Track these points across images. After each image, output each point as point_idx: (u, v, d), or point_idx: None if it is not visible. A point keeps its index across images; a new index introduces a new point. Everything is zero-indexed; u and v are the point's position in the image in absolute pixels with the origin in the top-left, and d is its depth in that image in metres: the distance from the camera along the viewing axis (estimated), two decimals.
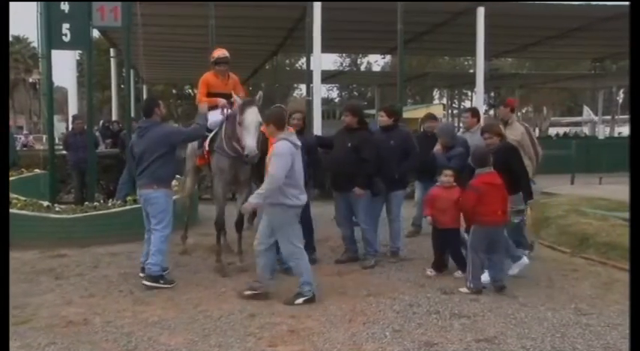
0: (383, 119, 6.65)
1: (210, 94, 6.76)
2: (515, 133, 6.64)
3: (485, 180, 5.46)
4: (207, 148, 6.39)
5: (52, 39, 8.49)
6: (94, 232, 7.58)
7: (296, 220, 5.26)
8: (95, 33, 18.63)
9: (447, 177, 5.85)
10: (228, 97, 6.42)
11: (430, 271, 6.01)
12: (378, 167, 6.31)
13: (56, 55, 8.88)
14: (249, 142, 5.62)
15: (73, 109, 13.90)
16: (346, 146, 6.34)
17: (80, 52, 14.84)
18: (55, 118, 11.63)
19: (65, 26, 8.42)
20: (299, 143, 5.26)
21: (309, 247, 6.55)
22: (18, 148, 16.13)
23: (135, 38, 10.00)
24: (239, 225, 6.43)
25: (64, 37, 8.46)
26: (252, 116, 5.71)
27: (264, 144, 5.80)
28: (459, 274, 5.88)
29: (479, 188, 5.44)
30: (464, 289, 5.42)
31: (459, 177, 5.91)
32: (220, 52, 6.84)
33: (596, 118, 35.00)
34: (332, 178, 6.44)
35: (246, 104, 5.80)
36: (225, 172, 6.19)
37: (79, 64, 18.36)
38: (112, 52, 22.45)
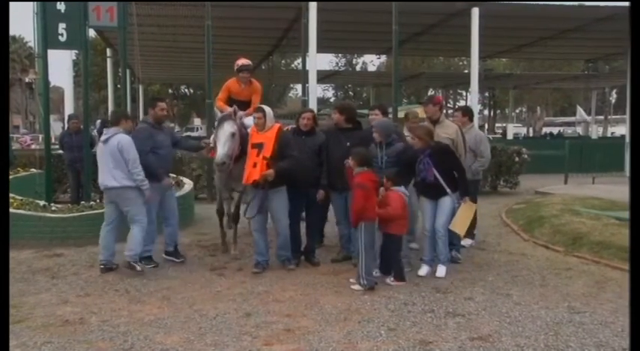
0: (377, 117, 6.63)
1: (230, 100, 7.15)
2: (449, 131, 6.44)
3: (369, 177, 5.55)
4: (212, 143, 6.69)
5: (48, 39, 8.46)
6: (90, 232, 7.50)
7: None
8: (91, 33, 18.59)
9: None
10: (247, 103, 7.07)
11: (389, 279, 5.73)
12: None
13: (52, 54, 8.85)
14: (219, 150, 6.14)
15: (69, 108, 13.86)
16: (344, 146, 6.33)
17: (76, 51, 14.81)
18: (52, 117, 11.59)
19: (61, 26, 8.39)
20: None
21: (311, 249, 6.57)
22: (20, 148, 16.13)
23: (131, 38, 9.97)
24: (235, 217, 7.09)
25: (60, 37, 8.43)
26: (222, 129, 6.22)
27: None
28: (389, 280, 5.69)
29: (366, 185, 5.50)
30: (356, 287, 5.45)
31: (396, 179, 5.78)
32: (243, 61, 7.27)
33: (588, 119, 35.15)
34: (329, 178, 6.41)
35: (222, 119, 6.38)
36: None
37: (76, 63, 18.28)
38: (108, 52, 22.38)
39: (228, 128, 6.18)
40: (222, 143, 6.12)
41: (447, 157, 5.91)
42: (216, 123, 6.76)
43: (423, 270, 6.02)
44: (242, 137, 6.31)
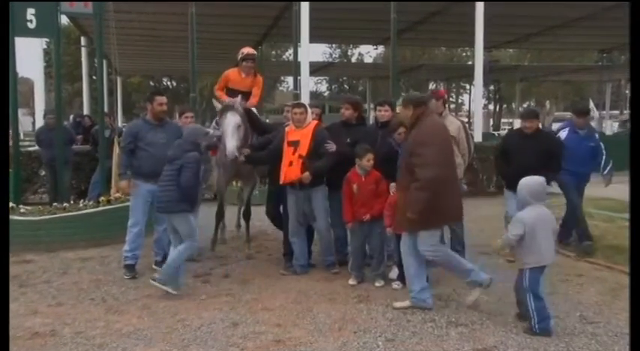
0: (387, 114, 6.62)
1: (228, 90, 7.17)
2: (450, 127, 6.35)
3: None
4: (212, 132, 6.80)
5: (15, 25, 8.36)
6: (63, 236, 7.52)
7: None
8: (64, 19, 18.50)
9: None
10: (246, 94, 7.07)
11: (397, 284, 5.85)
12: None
13: (20, 43, 8.78)
14: (228, 145, 6.18)
15: (39, 102, 13.76)
16: (344, 142, 6.36)
17: (47, 40, 14.73)
18: (20, 112, 11.53)
19: (30, 12, 8.29)
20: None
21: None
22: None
23: (107, 26, 9.92)
24: (247, 215, 7.34)
25: (28, 24, 8.33)
26: (227, 120, 6.30)
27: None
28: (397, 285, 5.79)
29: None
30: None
31: None
32: (248, 49, 7.42)
33: (596, 115, 35.34)
34: (328, 175, 6.42)
35: (225, 109, 6.44)
36: (227, 166, 6.79)
37: (47, 53, 18.21)
38: (82, 40, 22.26)
39: (232, 119, 6.30)
40: (230, 136, 6.21)
41: None
42: (217, 116, 6.84)
43: (394, 272, 6.01)
44: (247, 128, 6.58)
